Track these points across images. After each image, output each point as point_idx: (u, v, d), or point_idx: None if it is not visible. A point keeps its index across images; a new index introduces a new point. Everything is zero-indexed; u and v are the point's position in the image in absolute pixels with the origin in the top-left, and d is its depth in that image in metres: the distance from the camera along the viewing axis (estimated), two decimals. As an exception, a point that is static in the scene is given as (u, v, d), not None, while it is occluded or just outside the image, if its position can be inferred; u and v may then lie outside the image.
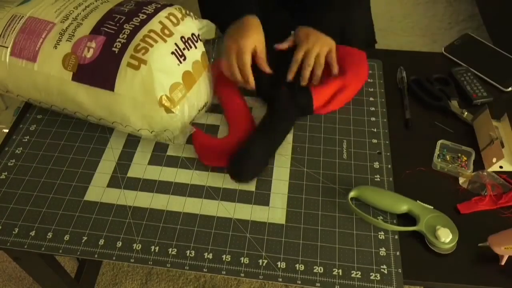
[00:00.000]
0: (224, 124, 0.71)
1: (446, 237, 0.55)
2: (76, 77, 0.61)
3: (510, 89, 0.74)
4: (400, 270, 0.55)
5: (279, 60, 0.70)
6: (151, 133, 0.63)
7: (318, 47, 0.69)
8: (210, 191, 0.63)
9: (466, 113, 0.70)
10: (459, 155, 0.64)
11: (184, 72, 0.63)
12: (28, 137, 0.69)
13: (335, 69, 0.71)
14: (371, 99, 0.74)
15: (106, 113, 0.63)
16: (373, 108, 0.72)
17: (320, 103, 0.70)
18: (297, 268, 0.55)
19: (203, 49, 0.67)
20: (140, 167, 0.65)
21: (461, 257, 0.56)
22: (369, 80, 0.77)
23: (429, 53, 0.84)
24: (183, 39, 0.63)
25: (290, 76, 0.70)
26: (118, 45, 0.60)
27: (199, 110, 0.68)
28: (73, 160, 0.66)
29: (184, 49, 0.63)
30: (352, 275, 0.54)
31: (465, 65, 0.77)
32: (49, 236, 0.58)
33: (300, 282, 0.54)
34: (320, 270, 0.55)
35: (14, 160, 0.67)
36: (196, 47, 0.65)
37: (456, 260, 0.56)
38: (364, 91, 0.75)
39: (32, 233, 0.59)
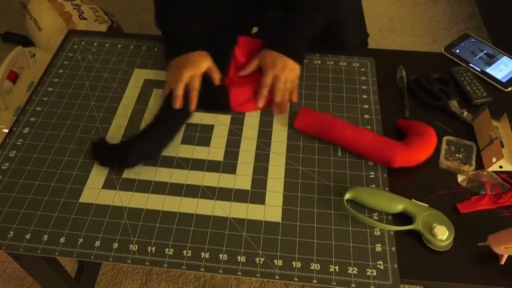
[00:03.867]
0: (219, 124, 0.71)
1: (443, 235, 0.55)
2: None
3: (510, 89, 0.74)
4: (396, 266, 0.55)
5: None
6: None
7: (286, 74, 0.70)
8: (206, 190, 0.63)
9: (466, 113, 0.70)
10: (462, 150, 0.65)
11: None
12: (21, 139, 0.69)
13: (295, 97, 0.72)
14: (364, 96, 0.74)
15: None
16: (366, 106, 0.73)
17: (237, 101, 0.71)
18: (294, 266, 0.55)
19: None
20: (135, 168, 0.65)
21: (461, 256, 0.56)
22: (362, 77, 0.77)
23: (429, 53, 0.85)
24: None
25: (261, 104, 0.70)
26: None
27: None
28: (67, 162, 0.66)
29: None
30: (349, 271, 0.55)
31: (465, 65, 0.78)
32: (44, 238, 0.58)
33: (297, 280, 0.54)
34: (317, 267, 0.55)
35: (8, 164, 0.66)
36: None
37: (456, 260, 0.56)
38: (357, 88, 0.75)
39: (27, 236, 0.58)
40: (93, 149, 0.66)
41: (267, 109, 0.72)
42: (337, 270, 0.55)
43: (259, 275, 0.55)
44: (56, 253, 0.57)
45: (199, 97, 0.69)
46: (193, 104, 0.69)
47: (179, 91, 0.68)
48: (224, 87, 0.71)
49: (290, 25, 0.74)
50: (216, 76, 0.71)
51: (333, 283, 0.54)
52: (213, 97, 0.71)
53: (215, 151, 0.67)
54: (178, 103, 0.67)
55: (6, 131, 0.71)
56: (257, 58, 0.73)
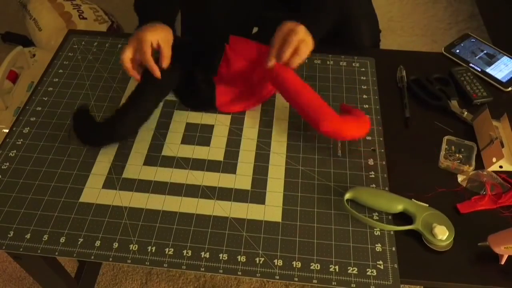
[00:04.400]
0: (219, 124, 0.71)
1: (443, 235, 0.55)
2: None
3: (510, 89, 0.74)
4: (396, 265, 0.55)
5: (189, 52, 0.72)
6: None
7: (304, 35, 0.65)
8: (206, 190, 0.63)
9: (466, 113, 0.70)
10: (462, 150, 0.65)
11: None
12: (21, 139, 0.69)
13: (298, 61, 0.65)
14: (364, 96, 0.74)
15: None
16: (366, 106, 0.73)
17: (223, 99, 0.71)
18: (294, 266, 0.55)
19: None
20: (135, 168, 0.65)
21: (461, 256, 0.56)
22: (362, 77, 0.77)
23: (429, 53, 0.85)
24: None
25: (271, 63, 0.65)
26: None
27: None
28: (67, 162, 0.66)
29: None
30: (349, 271, 0.55)
31: (465, 65, 0.78)
32: (44, 238, 0.58)
33: (297, 280, 0.54)
34: (317, 267, 0.55)
35: (8, 163, 0.66)
36: None
37: (456, 260, 0.56)
38: (357, 88, 0.75)
39: (28, 236, 0.58)
40: (74, 119, 0.67)
41: (251, 108, 0.72)
42: (337, 270, 0.55)
43: (259, 275, 0.55)
44: (56, 253, 0.57)
45: (185, 94, 0.69)
46: (165, 60, 0.66)
47: (146, 48, 0.64)
48: (211, 83, 0.71)
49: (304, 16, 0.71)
50: (165, 54, 0.66)
51: (333, 283, 0.54)
52: (199, 93, 0.71)
53: (215, 151, 0.67)
54: (157, 73, 0.65)
55: (6, 131, 0.71)
56: (278, 30, 0.67)
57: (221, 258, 0.56)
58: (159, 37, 0.66)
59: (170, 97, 0.75)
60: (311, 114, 0.64)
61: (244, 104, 0.72)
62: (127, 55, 0.66)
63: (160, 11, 0.72)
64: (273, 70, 0.66)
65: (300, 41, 0.65)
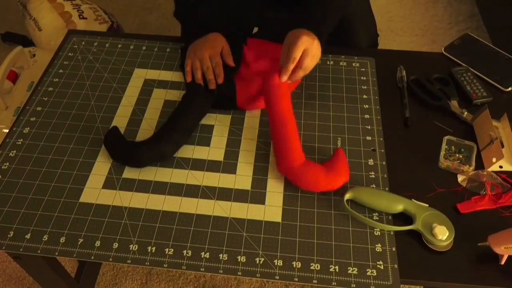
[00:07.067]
0: (219, 124, 0.71)
1: (443, 235, 0.55)
2: None
3: (510, 89, 0.74)
4: (396, 266, 0.55)
5: None
6: None
7: (315, 49, 0.66)
8: (206, 190, 0.63)
9: (466, 113, 0.70)
10: (462, 150, 0.65)
11: None
12: (21, 139, 0.69)
13: (300, 75, 0.67)
14: (364, 96, 0.74)
15: None
16: (366, 106, 0.73)
17: (243, 98, 0.71)
18: (294, 266, 0.55)
19: None
20: (135, 168, 0.65)
21: (461, 256, 0.56)
22: (362, 77, 0.77)
23: (429, 53, 0.85)
24: None
25: (286, 77, 0.66)
26: None
27: None
28: (67, 162, 0.66)
29: None
30: (349, 272, 0.55)
31: (465, 65, 0.78)
32: (44, 238, 0.58)
33: (297, 280, 0.54)
34: (317, 267, 0.55)
35: (8, 163, 0.66)
36: None
37: (456, 260, 0.56)
38: (357, 88, 0.75)
39: (28, 236, 0.58)
40: (106, 140, 0.66)
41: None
42: (337, 270, 0.55)
43: (259, 275, 0.55)
44: (56, 253, 0.57)
45: (207, 94, 0.70)
46: (221, 78, 0.71)
47: (207, 64, 0.71)
48: (232, 83, 0.71)
49: (314, 11, 0.71)
50: (229, 60, 0.73)
51: (333, 283, 0.54)
52: (220, 92, 0.71)
53: (215, 151, 0.67)
54: (210, 73, 0.71)
55: (6, 131, 0.71)
56: (287, 38, 0.67)
57: (221, 258, 0.56)
58: (216, 53, 0.73)
59: (171, 97, 0.75)
60: (276, 154, 0.64)
61: (263, 102, 0.71)
62: (189, 65, 0.73)
63: (208, 17, 0.77)
64: (268, 90, 0.66)
65: (304, 53, 0.64)
